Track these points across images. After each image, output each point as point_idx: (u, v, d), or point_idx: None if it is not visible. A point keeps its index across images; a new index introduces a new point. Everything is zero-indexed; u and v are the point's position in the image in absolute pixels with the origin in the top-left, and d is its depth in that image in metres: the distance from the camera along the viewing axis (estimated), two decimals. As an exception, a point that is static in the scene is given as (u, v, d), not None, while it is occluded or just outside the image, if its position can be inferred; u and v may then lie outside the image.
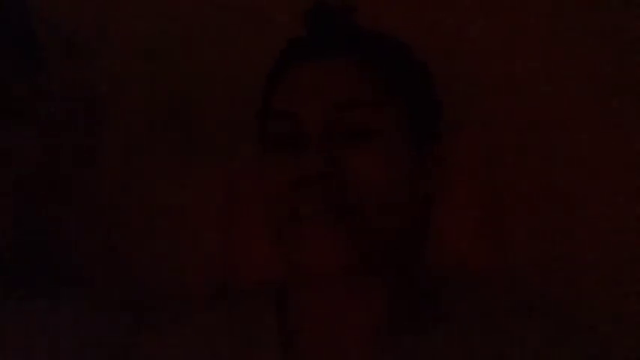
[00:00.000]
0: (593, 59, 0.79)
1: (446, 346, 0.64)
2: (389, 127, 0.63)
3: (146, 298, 0.81)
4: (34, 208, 0.75)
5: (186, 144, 0.87)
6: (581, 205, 0.78)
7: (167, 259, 0.86)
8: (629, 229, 0.77)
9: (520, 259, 0.79)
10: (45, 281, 0.74)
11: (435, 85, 0.70)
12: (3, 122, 0.68)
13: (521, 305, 0.68)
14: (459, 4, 0.82)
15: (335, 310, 0.65)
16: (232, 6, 0.86)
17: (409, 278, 0.67)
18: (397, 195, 0.63)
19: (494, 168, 0.80)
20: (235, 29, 0.86)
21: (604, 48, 0.79)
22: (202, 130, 0.86)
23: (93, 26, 0.88)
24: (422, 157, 0.66)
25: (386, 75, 0.65)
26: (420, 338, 0.64)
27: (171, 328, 0.70)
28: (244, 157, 0.82)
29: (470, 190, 0.79)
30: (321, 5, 0.67)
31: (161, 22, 0.87)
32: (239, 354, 0.67)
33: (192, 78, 0.87)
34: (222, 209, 0.85)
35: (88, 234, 0.86)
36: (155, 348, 0.69)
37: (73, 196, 0.86)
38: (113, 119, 0.87)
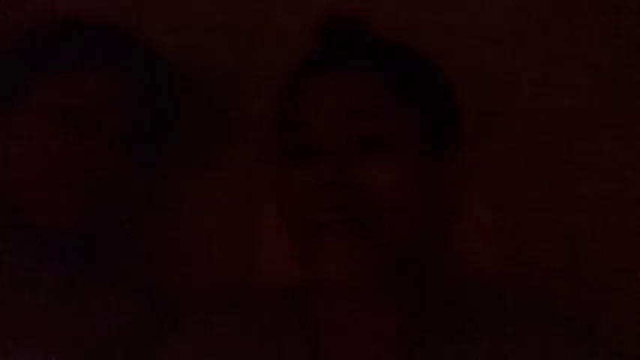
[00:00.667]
0: (610, 62, 0.79)
1: (469, 355, 0.64)
2: (403, 136, 0.63)
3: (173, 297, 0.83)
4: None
5: (214, 149, 0.88)
6: (602, 211, 0.78)
7: (189, 258, 0.88)
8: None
9: (538, 266, 0.78)
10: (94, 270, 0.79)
11: (453, 94, 0.69)
12: None
13: (544, 312, 0.67)
14: (472, 9, 0.82)
15: (355, 318, 0.65)
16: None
17: (429, 287, 0.67)
18: (412, 204, 0.63)
19: (510, 175, 0.80)
20: (254, 37, 0.88)
21: (619, 50, 0.79)
22: (226, 134, 0.88)
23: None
24: (439, 167, 0.66)
25: (401, 85, 0.65)
26: (443, 348, 0.64)
27: (195, 328, 0.71)
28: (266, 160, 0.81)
29: (486, 197, 0.80)
30: (336, 20, 0.68)
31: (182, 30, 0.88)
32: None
33: (215, 80, 0.88)
34: (245, 211, 0.85)
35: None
36: (179, 347, 0.70)
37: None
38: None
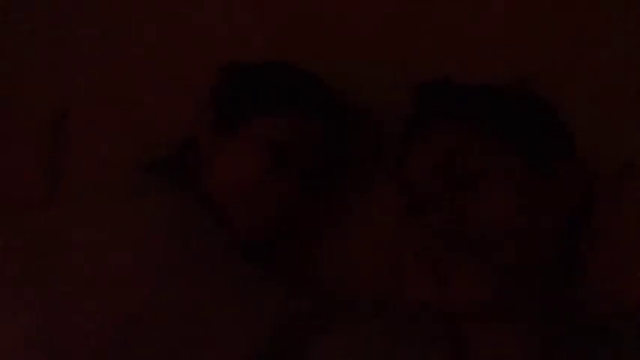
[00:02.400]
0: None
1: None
2: (498, 166, 0.67)
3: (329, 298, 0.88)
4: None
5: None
6: None
7: (346, 265, 0.94)
8: None
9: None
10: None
11: (554, 118, 0.73)
12: None
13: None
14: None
15: (489, 341, 0.67)
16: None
17: (566, 315, 0.67)
18: (520, 228, 0.65)
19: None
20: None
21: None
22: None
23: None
24: (543, 185, 0.68)
25: (498, 123, 0.69)
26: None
27: (348, 329, 0.74)
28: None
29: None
30: (438, 83, 0.74)
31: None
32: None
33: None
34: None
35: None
36: (334, 346, 0.73)
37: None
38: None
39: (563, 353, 0.65)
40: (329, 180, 0.93)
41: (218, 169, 0.88)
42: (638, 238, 0.77)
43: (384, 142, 0.94)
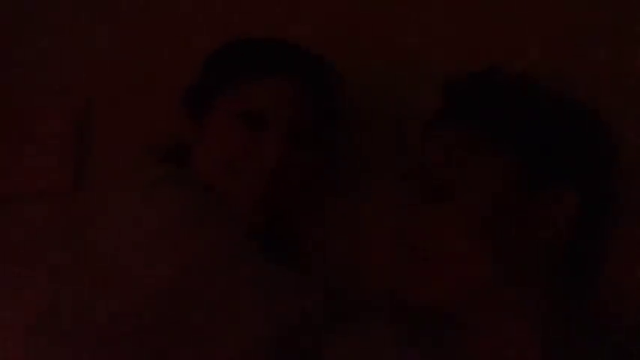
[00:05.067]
0: None
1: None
2: (481, 177, 0.66)
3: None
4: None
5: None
6: None
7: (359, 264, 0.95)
8: None
9: None
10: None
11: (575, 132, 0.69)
12: None
13: None
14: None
15: (492, 343, 0.67)
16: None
17: (578, 320, 0.67)
18: (506, 242, 0.65)
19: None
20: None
21: None
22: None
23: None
24: (534, 203, 0.66)
25: (502, 130, 0.68)
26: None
27: (361, 333, 0.75)
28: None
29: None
30: (467, 79, 0.72)
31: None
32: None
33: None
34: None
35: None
36: (345, 349, 0.74)
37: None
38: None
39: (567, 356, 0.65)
40: (321, 140, 0.91)
41: (203, 151, 0.88)
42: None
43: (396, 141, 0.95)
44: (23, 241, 0.87)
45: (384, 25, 1.00)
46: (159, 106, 1.07)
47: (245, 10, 1.10)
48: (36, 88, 1.23)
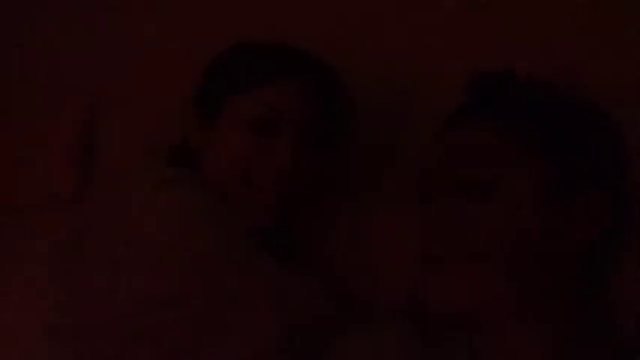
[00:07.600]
0: None
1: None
2: (518, 179, 0.65)
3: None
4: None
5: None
6: None
7: (369, 269, 0.94)
8: None
9: None
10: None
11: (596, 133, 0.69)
12: None
13: None
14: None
15: (507, 344, 0.66)
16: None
17: (588, 321, 0.67)
18: (531, 244, 0.64)
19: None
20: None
21: None
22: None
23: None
24: (569, 206, 0.65)
25: (528, 131, 0.67)
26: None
27: (372, 335, 0.74)
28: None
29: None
30: (487, 76, 0.71)
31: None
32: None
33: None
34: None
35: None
36: (352, 349, 0.74)
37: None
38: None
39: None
40: (329, 143, 0.92)
41: (214, 156, 0.88)
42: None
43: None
44: (28, 247, 0.87)
45: (384, 25, 1.01)
46: (164, 109, 1.07)
47: (251, 13, 1.10)
48: (40, 92, 1.24)
